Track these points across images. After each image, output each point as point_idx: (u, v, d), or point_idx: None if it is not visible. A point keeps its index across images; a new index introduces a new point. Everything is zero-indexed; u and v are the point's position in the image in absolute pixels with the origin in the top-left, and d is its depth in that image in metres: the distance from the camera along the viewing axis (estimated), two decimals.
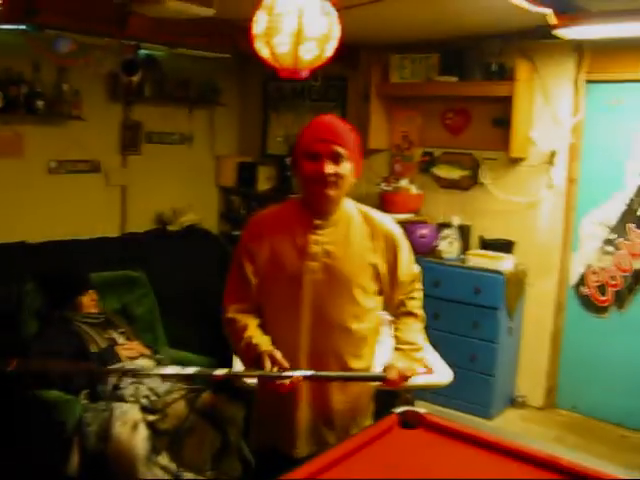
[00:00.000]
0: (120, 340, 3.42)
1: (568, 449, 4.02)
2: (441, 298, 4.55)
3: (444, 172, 4.90)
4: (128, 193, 5.47)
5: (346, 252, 2.08)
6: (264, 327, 2.13)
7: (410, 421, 2.22)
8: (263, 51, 1.83)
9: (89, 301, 3.44)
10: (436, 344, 4.50)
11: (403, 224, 4.74)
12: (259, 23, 1.81)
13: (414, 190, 4.90)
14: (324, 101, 5.66)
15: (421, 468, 1.94)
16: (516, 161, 4.57)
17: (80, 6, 3.45)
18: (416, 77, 4.77)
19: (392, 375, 2.14)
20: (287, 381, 1.96)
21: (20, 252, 4.54)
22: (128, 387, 3.13)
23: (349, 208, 2.17)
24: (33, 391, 3.11)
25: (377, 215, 2.21)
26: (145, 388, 3.15)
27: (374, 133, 5.09)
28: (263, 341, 2.05)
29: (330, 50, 1.87)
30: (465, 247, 4.69)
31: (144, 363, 3.33)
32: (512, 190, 4.63)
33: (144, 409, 3.06)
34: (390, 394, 4.08)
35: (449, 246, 4.63)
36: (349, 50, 5.22)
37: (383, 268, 2.15)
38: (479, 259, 4.47)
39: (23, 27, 3.56)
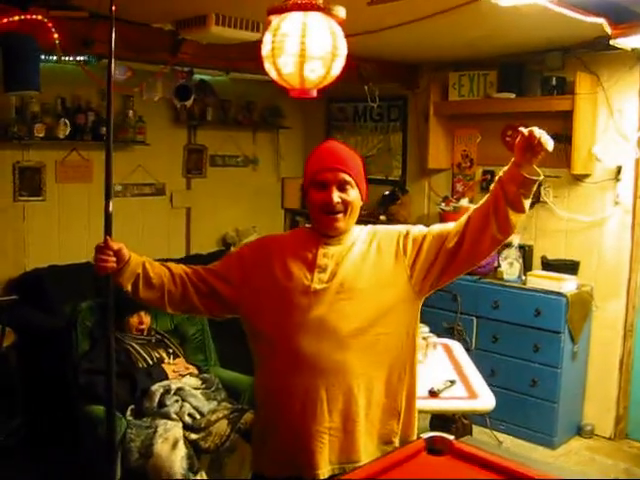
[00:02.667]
0: (168, 359, 3.47)
1: None
2: (500, 320, 4.42)
3: None
4: (193, 215, 5.61)
5: (354, 262, 2.03)
6: (268, 339, 2.07)
7: (437, 447, 2.14)
8: (271, 72, 1.83)
9: (137, 323, 3.51)
10: (495, 368, 4.40)
11: None
12: (265, 44, 1.82)
13: None
14: (385, 121, 5.65)
15: None
16: (579, 178, 4.40)
17: (134, 35, 3.58)
18: (474, 94, 4.69)
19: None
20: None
21: (86, 272, 4.71)
22: (173, 405, 3.18)
23: (359, 231, 2.12)
24: (82, 406, 3.20)
25: (394, 227, 2.17)
26: (189, 406, 3.20)
27: (434, 152, 5.04)
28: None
29: (337, 68, 1.85)
30: (526, 268, 4.52)
31: (190, 382, 3.37)
32: (576, 208, 4.46)
33: (187, 427, 3.10)
34: (445, 418, 3.99)
35: (509, 267, 4.49)
36: (408, 70, 5.21)
37: (409, 264, 2.04)
38: (540, 280, 4.30)
39: (81, 57, 3.73)
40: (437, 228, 2.08)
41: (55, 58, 3.69)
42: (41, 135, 4.46)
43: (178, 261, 5.23)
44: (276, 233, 2.28)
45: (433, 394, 2.92)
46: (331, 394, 2.00)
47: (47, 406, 3.73)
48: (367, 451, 2.08)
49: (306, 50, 1.74)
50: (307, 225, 2.22)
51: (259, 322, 2.08)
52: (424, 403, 2.88)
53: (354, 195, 2.02)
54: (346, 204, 2.00)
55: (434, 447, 2.13)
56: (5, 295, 4.45)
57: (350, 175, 2.01)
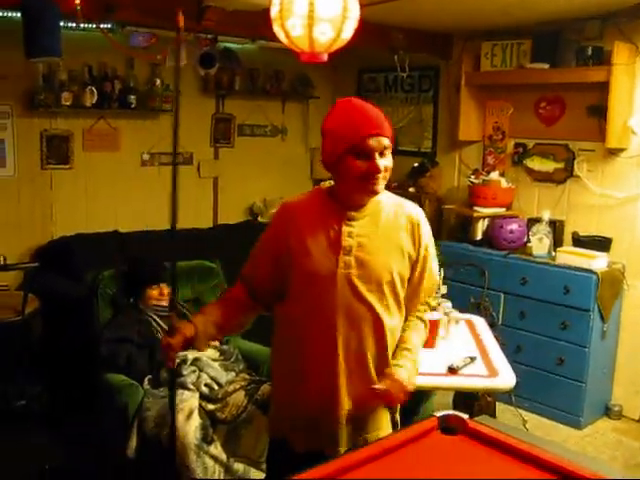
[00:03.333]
0: None
1: None
2: (528, 297, 4.33)
3: (537, 164, 4.64)
4: (220, 185, 5.59)
5: (380, 245, 1.99)
6: (290, 325, 2.06)
7: (451, 426, 2.09)
8: (280, 35, 1.77)
9: (157, 295, 3.49)
10: (521, 345, 4.33)
11: (492, 219, 4.63)
12: (274, 6, 1.75)
13: (504, 183, 4.67)
14: (416, 92, 5.53)
15: (451, 477, 1.81)
16: (614, 152, 4.24)
17: (157, 1, 3.52)
18: (507, 65, 4.54)
19: (394, 389, 1.99)
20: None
21: (113, 241, 4.75)
22: (190, 375, 3.17)
23: (383, 196, 2.05)
24: (102, 375, 3.22)
25: (413, 208, 2.09)
26: (207, 377, 3.19)
27: (465, 124, 4.91)
28: (196, 318, 2.09)
29: (348, 31, 1.77)
30: (556, 244, 4.40)
31: (208, 353, 3.36)
32: (610, 183, 4.31)
33: (204, 397, 3.10)
34: (468, 395, 3.94)
35: (539, 242, 4.37)
36: (440, 39, 5.07)
37: (411, 265, 2.07)
38: (570, 257, 4.18)
39: (105, 25, 3.69)
40: (421, 289, 2.12)
41: (77, 25, 3.67)
42: (68, 103, 4.47)
43: (206, 231, 5.30)
44: (294, 198, 2.14)
45: (452, 371, 2.86)
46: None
47: (69, 373, 3.77)
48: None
49: (315, 12, 1.67)
50: (325, 184, 2.10)
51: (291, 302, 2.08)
52: (442, 380, 2.84)
53: (391, 159, 1.96)
54: (387, 170, 1.94)
55: (448, 426, 2.08)
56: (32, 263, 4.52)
57: (389, 139, 1.93)
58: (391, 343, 2.07)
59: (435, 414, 2.11)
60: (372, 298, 1.99)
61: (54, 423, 3.76)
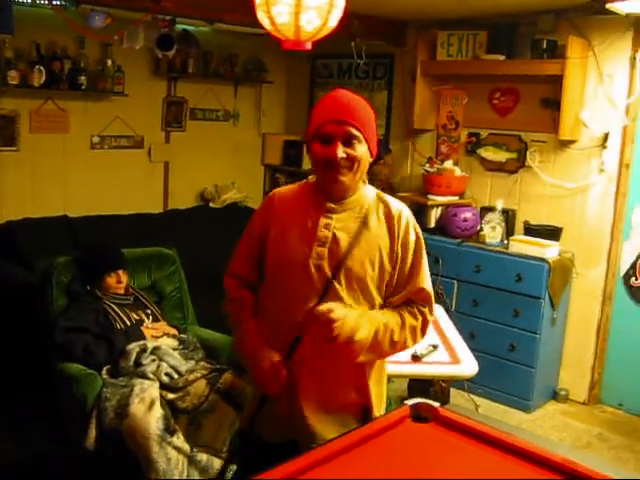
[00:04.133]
0: (147, 321, 3.40)
1: (610, 448, 3.89)
2: (481, 285, 4.42)
3: (490, 154, 4.72)
4: (171, 169, 5.49)
5: (357, 240, 1.93)
6: (263, 314, 2.04)
7: (422, 414, 2.11)
8: (264, 21, 1.73)
9: (114, 282, 3.40)
10: (474, 332, 4.42)
11: (446, 207, 4.69)
12: None
13: (458, 172, 4.74)
14: (371, 79, 5.54)
15: (425, 466, 1.84)
16: (566, 144, 4.35)
17: None
18: (463, 55, 4.59)
19: (323, 318, 1.84)
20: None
21: (61, 226, 4.61)
22: (150, 364, 3.11)
23: (367, 194, 2.01)
24: (58, 364, 3.13)
25: (397, 205, 2.03)
26: (167, 366, 3.13)
27: (419, 112, 4.94)
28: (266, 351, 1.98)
29: (334, 20, 1.75)
30: (509, 232, 4.50)
31: (167, 342, 3.31)
32: (561, 174, 4.42)
33: (164, 387, 3.04)
34: (424, 381, 4.00)
35: (492, 231, 4.46)
36: (396, 27, 5.08)
37: (390, 265, 1.97)
38: (523, 245, 4.28)
39: (59, 2, 3.55)
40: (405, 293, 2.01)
41: (29, 0, 3.53)
42: (15, 82, 4.29)
43: (156, 216, 5.20)
44: (283, 188, 2.13)
45: (416, 358, 2.90)
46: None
47: (22, 362, 3.65)
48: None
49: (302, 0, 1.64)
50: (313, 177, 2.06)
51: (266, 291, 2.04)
52: (407, 368, 2.86)
53: (361, 150, 1.90)
54: (352, 159, 1.88)
55: (419, 414, 2.11)
56: None
57: (358, 129, 1.87)
58: None
59: (406, 403, 2.14)
60: (343, 292, 1.94)
61: (8, 412, 3.64)
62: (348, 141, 1.87)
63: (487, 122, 4.75)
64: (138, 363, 3.11)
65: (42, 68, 4.37)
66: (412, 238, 1.99)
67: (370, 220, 1.97)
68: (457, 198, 4.78)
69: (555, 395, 4.50)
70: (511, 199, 4.64)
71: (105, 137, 4.99)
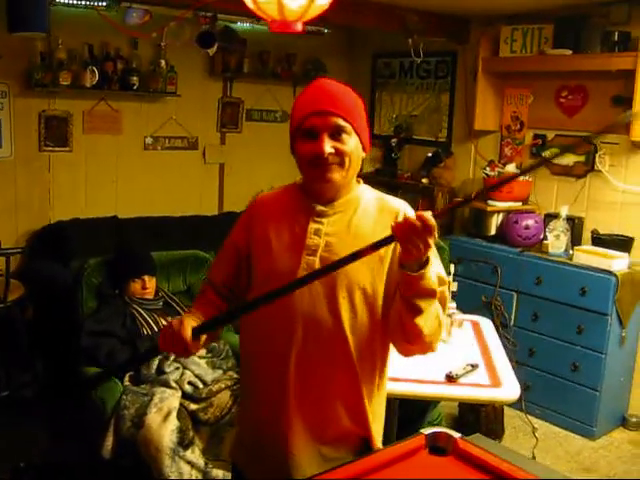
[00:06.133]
0: None
1: None
2: (543, 297, 4.09)
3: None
4: (226, 171, 5.41)
5: (351, 245, 1.63)
6: (247, 333, 1.83)
7: (440, 445, 1.88)
8: (247, 0, 1.55)
9: (140, 288, 3.31)
10: (533, 348, 4.11)
11: (507, 213, 4.39)
12: None
13: (521, 176, 4.42)
14: (433, 78, 5.28)
15: None
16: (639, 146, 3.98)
17: None
18: (527, 51, 4.28)
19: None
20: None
21: (111, 227, 4.59)
22: (173, 372, 3.00)
23: (361, 192, 1.79)
24: (81, 367, 3.06)
25: (398, 204, 1.79)
26: (191, 374, 3.01)
27: (481, 113, 4.66)
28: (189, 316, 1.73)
29: None
30: (574, 242, 4.15)
31: None
32: (634, 179, 4.04)
33: (187, 396, 2.92)
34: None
35: (556, 240, 4.12)
36: (458, 23, 4.82)
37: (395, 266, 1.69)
38: (589, 256, 3.92)
39: (102, 3, 3.51)
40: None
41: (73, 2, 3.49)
42: (67, 83, 4.30)
43: (210, 218, 5.13)
44: (268, 192, 1.92)
45: (450, 379, 2.64)
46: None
47: (55, 364, 3.63)
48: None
49: None
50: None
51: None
52: (439, 389, 2.62)
53: (352, 144, 1.67)
54: (341, 154, 1.65)
55: (436, 445, 1.88)
56: (27, 247, 4.38)
57: (345, 119, 1.65)
58: (361, 367, 1.72)
59: (423, 431, 1.91)
60: (338, 307, 1.69)
61: (40, 415, 3.62)
62: (335, 134, 1.65)
63: (553, 122, 4.41)
64: (161, 370, 3.01)
65: (94, 69, 4.36)
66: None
67: (367, 223, 1.73)
68: (519, 204, 4.46)
69: (624, 422, 4.11)
70: (578, 206, 4.28)
71: (158, 138, 4.95)
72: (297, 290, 1.65)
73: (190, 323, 1.66)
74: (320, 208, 1.74)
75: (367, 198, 1.79)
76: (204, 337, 1.71)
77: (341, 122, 1.65)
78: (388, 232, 1.53)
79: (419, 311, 1.60)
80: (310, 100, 1.69)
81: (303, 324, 1.70)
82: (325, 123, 1.65)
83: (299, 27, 1.60)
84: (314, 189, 1.74)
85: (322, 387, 1.73)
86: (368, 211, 1.76)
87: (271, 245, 1.74)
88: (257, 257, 1.78)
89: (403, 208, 1.77)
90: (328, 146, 1.64)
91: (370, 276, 1.70)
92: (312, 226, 1.72)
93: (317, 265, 1.69)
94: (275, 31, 1.65)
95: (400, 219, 1.65)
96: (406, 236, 1.48)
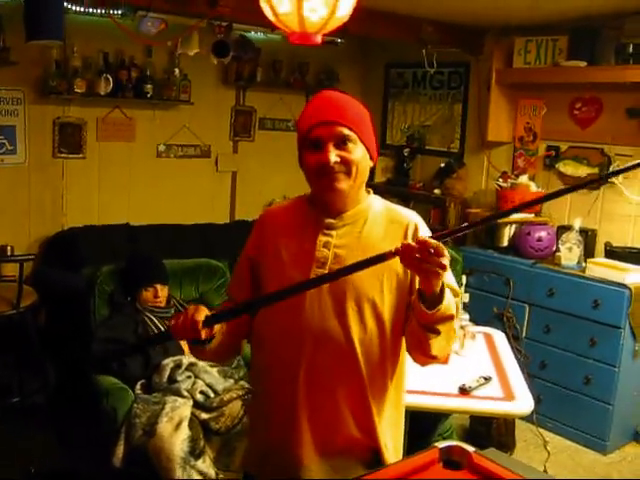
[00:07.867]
0: None
1: None
2: (555, 310, 4.06)
3: (570, 169, 4.37)
4: (239, 180, 5.42)
5: (361, 258, 1.59)
6: (259, 347, 1.83)
7: (454, 459, 1.87)
8: (266, 11, 1.55)
9: (151, 297, 3.31)
10: (545, 361, 4.08)
11: (519, 225, 4.37)
12: None
13: (534, 188, 4.41)
14: (446, 89, 5.28)
15: None
16: None
17: None
18: (541, 62, 4.27)
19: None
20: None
21: (123, 235, 4.60)
22: (184, 381, 2.99)
23: (371, 203, 1.78)
24: (93, 375, 3.06)
25: (408, 214, 1.79)
26: (202, 383, 3.01)
27: (494, 124, 4.66)
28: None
29: (344, 9, 1.54)
30: (587, 254, 4.13)
31: None
32: None
33: (198, 406, 2.91)
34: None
35: (569, 252, 4.10)
36: (472, 34, 4.82)
37: (407, 279, 1.71)
38: (602, 269, 3.90)
39: (118, 11, 3.53)
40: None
41: (87, 9, 3.51)
42: (81, 91, 4.33)
43: (221, 227, 5.14)
44: (276, 205, 1.95)
45: (464, 392, 2.63)
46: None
47: (67, 371, 3.63)
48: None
49: None
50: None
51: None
52: (452, 402, 2.61)
53: (358, 152, 1.67)
54: (347, 163, 1.65)
55: (450, 459, 1.86)
56: (40, 254, 4.39)
57: (350, 128, 1.66)
58: (370, 377, 1.72)
59: (437, 445, 1.90)
60: (346, 319, 1.69)
61: (51, 421, 3.63)
62: (341, 143, 1.66)
63: (567, 134, 4.40)
64: (172, 379, 3.00)
65: (109, 76, 4.39)
66: None
67: (377, 234, 1.73)
68: (532, 216, 4.45)
69: (637, 436, 4.07)
70: (591, 218, 4.27)
71: (171, 146, 4.97)
72: (307, 304, 1.68)
73: (205, 311, 1.65)
74: (329, 221, 1.74)
75: (376, 209, 1.78)
76: (217, 328, 1.70)
77: (346, 131, 1.66)
78: (398, 243, 1.52)
79: (437, 333, 1.61)
80: (315, 111, 1.70)
81: (312, 336, 1.70)
82: (330, 133, 1.66)
83: (319, 39, 1.60)
84: (322, 200, 1.74)
85: (331, 398, 1.73)
86: (378, 222, 1.76)
87: (281, 258, 1.74)
88: (267, 270, 1.78)
89: (413, 219, 1.77)
90: (334, 155, 1.65)
91: (379, 288, 1.70)
92: (321, 239, 1.73)
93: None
94: (295, 43, 1.65)
95: (410, 231, 1.72)
96: (408, 260, 1.48)
